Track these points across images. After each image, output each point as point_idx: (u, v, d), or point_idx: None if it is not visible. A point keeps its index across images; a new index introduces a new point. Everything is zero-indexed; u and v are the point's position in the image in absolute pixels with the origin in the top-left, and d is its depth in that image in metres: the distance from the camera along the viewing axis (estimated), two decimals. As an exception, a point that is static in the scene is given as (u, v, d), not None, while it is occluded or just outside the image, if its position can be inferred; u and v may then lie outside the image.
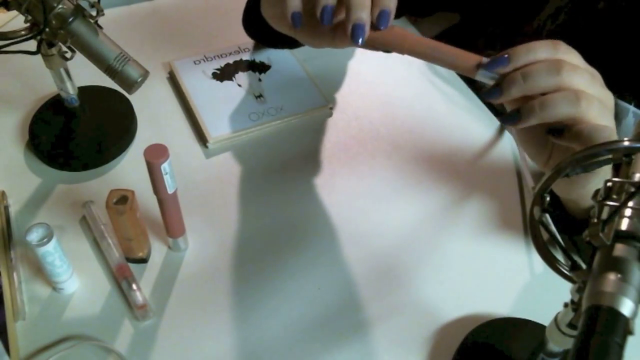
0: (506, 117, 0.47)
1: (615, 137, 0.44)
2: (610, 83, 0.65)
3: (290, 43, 0.52)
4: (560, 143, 0.47)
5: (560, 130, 0.46)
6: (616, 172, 0.52)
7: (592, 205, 0.53)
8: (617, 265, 0.33)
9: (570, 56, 0.46)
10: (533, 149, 0.51)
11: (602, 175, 0.47)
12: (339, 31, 0.51)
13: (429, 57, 0.48)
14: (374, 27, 0.48)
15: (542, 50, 0.45)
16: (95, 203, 0.63)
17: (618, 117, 0.66)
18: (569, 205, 0.56)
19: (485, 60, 0.46)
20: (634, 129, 0.65)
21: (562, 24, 0.68)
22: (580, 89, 0.44)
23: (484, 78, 0.47)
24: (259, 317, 0.56)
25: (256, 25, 0.70)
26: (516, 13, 0.74)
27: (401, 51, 0.49)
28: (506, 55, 0.45)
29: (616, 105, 0.65)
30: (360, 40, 0.48)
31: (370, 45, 0.50)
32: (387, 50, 0.50)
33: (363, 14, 0.47)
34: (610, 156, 0.37)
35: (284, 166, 0.70)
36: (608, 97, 0.47)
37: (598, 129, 0.44)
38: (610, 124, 0.46)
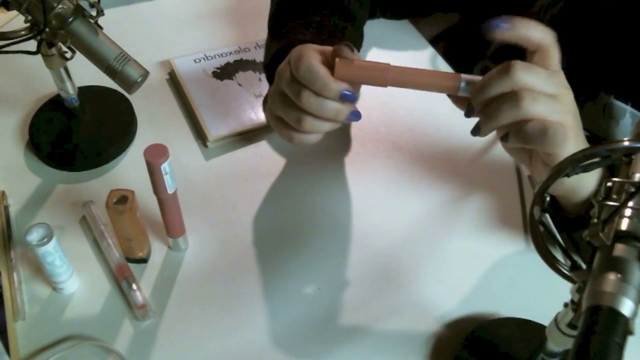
0: (472, 130, 0.50)
1: (565, 131, 0.45)
2: (608, 83, 0.65)
3: None
4: (512, 146, 0.48)
5: (506, 135, 0.48)
6: (610, 172, 0.52)
7: (584, 201, 0.53)
8: (617, 265, 0.33)
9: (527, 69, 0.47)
10: (513, 153, 0.53)
11: (589, 173, 0.47)
12: None
13: (411, 84, 0.49)
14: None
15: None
16: (95, 203, 0.63)
17: (615, 117, 0.66)
18: (562, 202, 0.56)
19: (464, 76, 0.48)
20: (632, 129, 0.65)
21: (556, 24, 0.68)
22: (527, 87, 0.45)
23: (464, 93, 0.49)
24: (259, 317, 0.56)
25: None
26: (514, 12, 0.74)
27: (384, 84, 0.49)
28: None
29: (613, 105, 0.65)
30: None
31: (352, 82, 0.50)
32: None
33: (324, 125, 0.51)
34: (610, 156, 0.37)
35: (284, 166, 0.69)
36: (565, 94, 0.47)
37: (534, 126, 0.45)
38: (565, 118, 0.46)
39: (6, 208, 0.62)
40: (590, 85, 0.53)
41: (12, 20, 0.82)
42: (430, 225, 0.65)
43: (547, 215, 0.40)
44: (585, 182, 0.52)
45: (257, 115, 0.73)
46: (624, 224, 0.34)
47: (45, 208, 0.63)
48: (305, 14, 0.67)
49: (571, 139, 0.46)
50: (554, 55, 0.47)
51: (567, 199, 0.55)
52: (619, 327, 0.30)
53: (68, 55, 0.60)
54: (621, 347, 0.30)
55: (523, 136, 0.46)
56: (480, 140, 0.73)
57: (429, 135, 0.74)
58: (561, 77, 0.48)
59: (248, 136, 0.72)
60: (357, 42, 0.72)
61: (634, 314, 0.31)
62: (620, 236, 0.34)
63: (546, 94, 0.46)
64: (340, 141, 0.73)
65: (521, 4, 0.73)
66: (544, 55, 0.47)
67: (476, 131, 0.50)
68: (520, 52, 0.48)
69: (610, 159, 0.37)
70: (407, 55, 0.85)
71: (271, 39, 0.68)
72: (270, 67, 0.67)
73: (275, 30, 0.68)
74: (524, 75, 0.45)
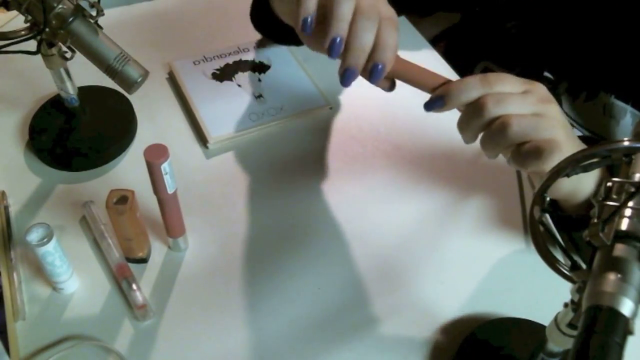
0: None
1: (559, 147, 0.45)
2: (608, 83, 0.65)
3: (298, 41, 0.53)
4: (515, 167, 0.48)
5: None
6: (610, 173, 0.53)
7: (583, 203, 0.53)
8: (617, 265, 0.33)
9: (500, 85, 0.47)
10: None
11: (586, 175, 0.47)
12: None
13: (408, 79, 0.51)
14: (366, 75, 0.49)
15: (473, 89, 0.47)
16: (95, 203, 0.63)
17: (616, 117, 0.66)
18: (561, 204, 0.56)
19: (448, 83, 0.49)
20: (632, 129, 0.65)
21: (558, 22, 0.68)
22: (509, 113, 0.46)
23: None
24: (259, 317, 0.56)
25: (264, 19, 0.70)
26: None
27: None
28: (441, 97, 0.48)
29: (614, 105, 0.65)
30: (347, 84, 0.49)
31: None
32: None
33: (359, 60, 0.48)
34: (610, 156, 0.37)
35: (284, 166, 0.70)
36: (548, 109, 0.47)
37: (528, 150, 0.45)
38: (555, 133, 0.46)
39: (6, 208, 0.62)
40: (590, 84, 0.53)
41: (12, 20, 0.82)
42: (430, 226, 0.65)
43: (547, 215, 0.40)
44: (585, 185, 0.52)
45: (257, 115, 0.73)
46: (624, 224, 0.34)
47: (45, 208, 0.63)
48: None
49: (566, 153, 0.45)
50: (507, 81, 0.47)
51: (566, 202, 0.55)
52: (619, 327, 0.30)
53: (68, 55, 0.60)
54: (621, 347, 0.30)
55: (520, 162, 0.46)
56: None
57: (429, 135, 0.74)
58: (538, 91, 0.48)
59: (248, 136, 0.72)
60: None
61: (634, 314, 0.31)
62: (620, 236, 0.34)
63: (529, 114, 0.46)
64: (340, 141, 0.73)
65: (521, 3, 0.73)
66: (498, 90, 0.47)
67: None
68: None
69: (610, 159, 0.37)
70: (407, 55, 0.85)
71: None
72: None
73: None
74: (498, 108, 0.45)
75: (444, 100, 0.48)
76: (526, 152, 0.45)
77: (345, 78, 0.49)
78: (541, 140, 0.45)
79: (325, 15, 0.48)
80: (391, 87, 0.53)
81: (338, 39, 0.47)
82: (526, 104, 0.46)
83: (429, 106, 0.49)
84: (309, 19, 0.49)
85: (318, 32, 0.49)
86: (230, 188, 0.67)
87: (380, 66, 0.48)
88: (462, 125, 0.48)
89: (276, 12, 0.57)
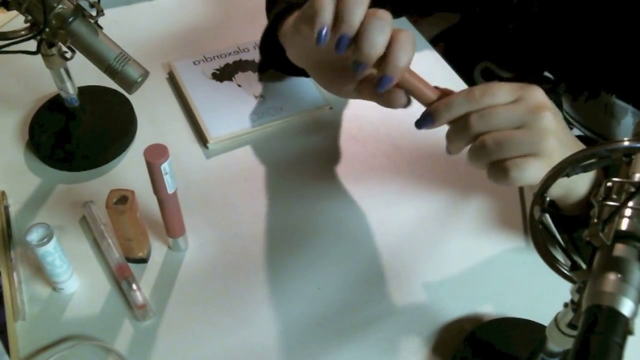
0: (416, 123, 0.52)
1: (534, 164, 0.44)
2: (610, 83, 0.65)
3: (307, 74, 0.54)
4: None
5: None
6: (605, 173, 0.53)
7: (576, 203, 0.53)
8: (617, 265, 0.33)
9: (486, 98, 0.46)
10: None
11: (580, 176, 0.47)
12: (363, 84, 0.53)
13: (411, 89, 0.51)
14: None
15: (458, 106, 0.47)
16: (95, 203, 0.63)
17: (617, 116, 0.66)
18: (558, 204, 0.56)
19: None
20: (633, 128, 0.65)
21: (558, 22, 0.68)
22: (492, 129, 0.45)
23: None
24: (259, 317, 0.56)
25: (275, 56, 0.70)
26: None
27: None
28: (430, 115, 0.49)
29: (615, 105, 0.65)
30: (358, 70, 0.49)
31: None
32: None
33: (371, 50, 0.47)
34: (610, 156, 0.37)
35: (284, 166, 0.70)
36: (536, 119, 0.45)
37: (495, 171, 0.45)
38: (541, 146, 0.45)
39: (6, 208, 0.62)
40: (592, 84, 0.53)
41: (12, 20, 0.82)
42: (430, 225, 0.65)
43: (547, 215, 0.40)
44: (578, 186, 0.52)
45: (258, 115, 0.73)
46: (624, 224, 0.34)
47: (45, 208, 0.63)
48: None
49: (557, 159, 0.42)
50: (495, 92, 0.46)
51: (560, 201, 0.55)
52: (619, 327, 0.30)
53: (68, 55, 0.60)
54: (621, 347, 0.30)
55: (492, 178, 0.46)
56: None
57: (429, 135, 0.74)
58: (529, 99, 0.46)
59: (248, 136, 0.72)
60: None
61: (634, 314, 0.31)
62: (620, 236, 0.34)
63: (513, 127, 0.45)
64: (340, 141, 0.73)
65: (521, 3, 0.73)
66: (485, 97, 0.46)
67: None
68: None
69: (610, 159, 0.37)
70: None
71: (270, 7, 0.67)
72: (267, 38, 0.66)
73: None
74: (482, 124, 0.45)
75: (433, 119, 0.48)
76: (496, 169, 0.45)
77: (355, 67, 0.48)
78: (517, 156, 0.44)
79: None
80: (408, 102, 0.53)
81: (345, 37, 0.46)
82: (512, 116, 0.45)
83: (419, 124, 0.50)
84: (325, 30, 0.47)
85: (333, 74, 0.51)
86: (230, 188, 0.67)
87: (388, 77, 0.48)
88: (450, 138, 0.49)
89: (291, 59, 0.57)
